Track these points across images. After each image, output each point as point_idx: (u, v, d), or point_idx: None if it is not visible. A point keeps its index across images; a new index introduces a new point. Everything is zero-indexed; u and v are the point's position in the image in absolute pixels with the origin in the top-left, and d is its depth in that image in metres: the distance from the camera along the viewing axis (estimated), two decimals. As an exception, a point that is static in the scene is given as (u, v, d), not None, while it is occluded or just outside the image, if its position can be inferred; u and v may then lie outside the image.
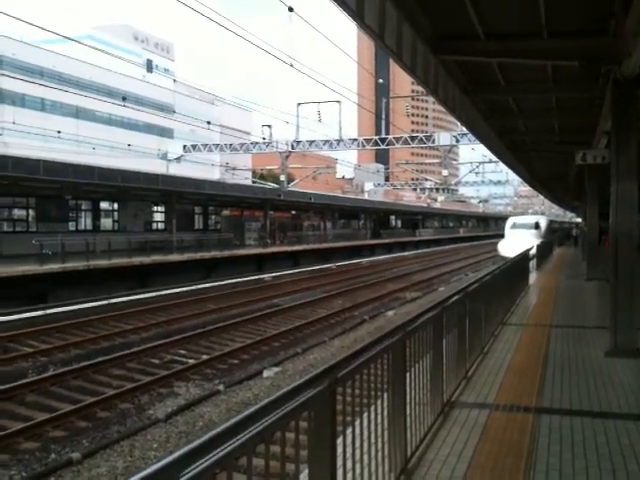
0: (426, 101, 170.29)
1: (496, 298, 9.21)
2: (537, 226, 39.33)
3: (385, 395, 3.81)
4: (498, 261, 28.01)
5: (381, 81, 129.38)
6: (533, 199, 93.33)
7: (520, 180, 48.10)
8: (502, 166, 45.17)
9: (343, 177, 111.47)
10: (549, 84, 11.27)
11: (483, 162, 56.52)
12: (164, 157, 41.99)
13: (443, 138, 39.50)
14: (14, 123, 41.21)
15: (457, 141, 38.63)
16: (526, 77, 11.28)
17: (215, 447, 1.96)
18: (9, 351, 13.34)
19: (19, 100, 52.28)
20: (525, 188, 72.96)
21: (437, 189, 73.96)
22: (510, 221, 42.98)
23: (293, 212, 53.39)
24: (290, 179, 45.05)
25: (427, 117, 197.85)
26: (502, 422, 5.22)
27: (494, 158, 36.88)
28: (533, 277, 18.08)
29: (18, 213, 31.07)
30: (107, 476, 7.20)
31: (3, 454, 7.84)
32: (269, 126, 41.65)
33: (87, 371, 11.51)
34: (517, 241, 32.75)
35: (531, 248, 19.00)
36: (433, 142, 39.25)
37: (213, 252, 33.26)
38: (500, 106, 13.98)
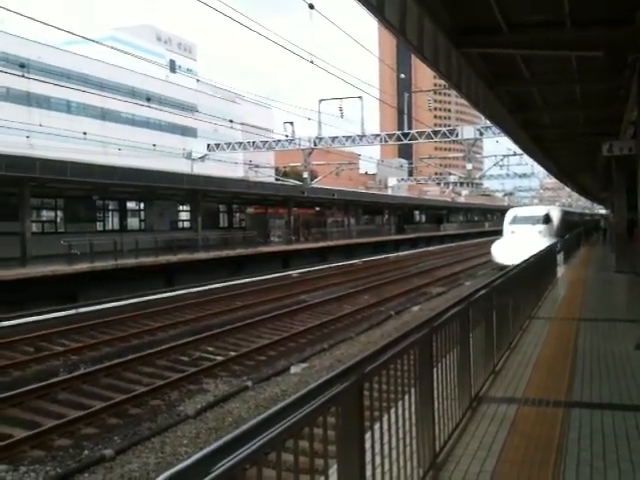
0: (449, 95, 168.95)
1: (523, 292, 9.14)
2: (547, 219, 29.23)
3: (412, 390, 3.83)
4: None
5: (403, 76, 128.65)
6: (559, 191, 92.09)
7: (546, 172, 47.50)
8: (527, 158, 44.44)
9: (366, 173, 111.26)
10: (574, 75, 11.15)
11: (508, 155, 55.85)
12: (188, 156, 42.24)
13: (466, 132, 39.14)
14: (40, 125, 41.83)
15: (481, 134, 38.23)
16: (550, 69, 11.17)
17: (245, 443, 1.98)
18: (41, 350, 13.59)
19: (45, 102, 53.02)
20: (551, 180, 71.99)
21: (461, 183, 73.39)
22: (510, 214, 31.48)
23: (317, 209, 53.42)
24: (313, 176, 45.07)
25: (450, 111, 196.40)
26: (531, 416, 5.20)
27: (519, 151, 36.28)
28: (561, 270, 17.88)
29: (47, 214, 31.57)
30: (139, 472, 7.31)
31: (38, 451, 8.00)
32: (291, 123, 41.69)
33: (118, 369, 11.69)
34: (519, 241, 25.25)
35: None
36: (456, 136, 38.91)
37: (238, 250, 33.47)
38: (524, 98, 13.85)
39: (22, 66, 31.56)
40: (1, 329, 15.49)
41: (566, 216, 34.42)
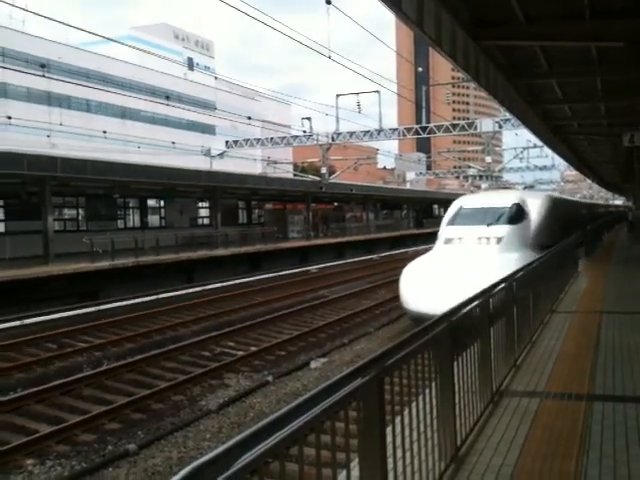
0: (467, 87, 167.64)
1: (544, 285, 9.07)
2: (517, 215, 16.38)
3: (433, 384, 3.83)
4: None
5: (421, 69, 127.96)
6: (580, 184, 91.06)
7: (566, 164, 47.00)
8: (547, 151, 43.89)
9: (384, 167, 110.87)
10: (594, 66, 11.03)
11: (528, 147, 55.27)
12: (207, 154, 42.42)
13: (485, 124, 38.80)
14: (61, 124, 42.29)
15: (500, 127, 37.87)
16: (570, 60, 11.06)
17: (266, 436, 2.00)
18: (64, 347, 13.78)
19: (65, 102, 53.58)
20: (572, 172, 71.22)
21: (480, 176, 72.83)
22: (454, 206, 17.94)
23: (335, 204, 53.37)
24: (331, 171, 45.03)
25: (468, 104, 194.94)
26: (553, 410, 5.17)
27: (539, 143, 35.91)
28: (582, 263, 17.71)
29: (68, 212, 31.92)
30: (162, 466, 7.40)
31: (63, 446, 8.14)
32: (309, 119, 41.66)
33: (140, 364, 11.83)
34: (454, 264, 14.19)
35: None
36: (475, 129, 38.58)
37: (257, 246, 33.59)
38: (543, 90, 13.74)
39: (42, 66, 31.88)
40: (25, 327, 15.74)
41: (559, 209, 20.75)
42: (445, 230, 16.77)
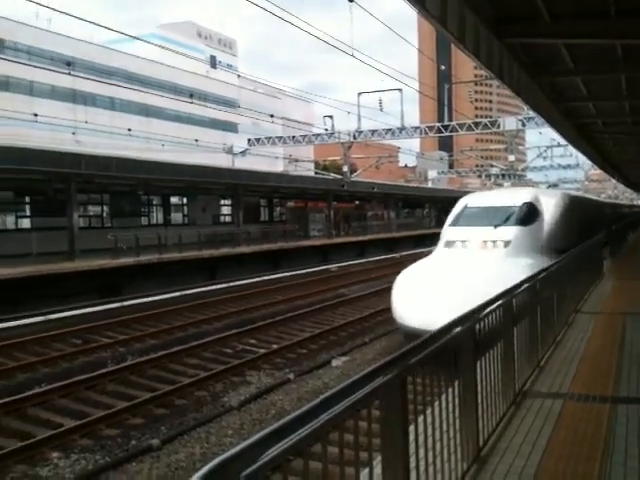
0: (490, 85, 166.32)
1: (569, 285, 9.00)
2: (529, 215, 14.75)
3: (456, 383, 3.83)
4: None
5: (443, 67, 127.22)
6: (605, 183, 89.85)
7: (591, 164, 46.40)
8: (572, 149, 43.37)
9: (406, 166, 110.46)
10: (618, 64, 10.88)
11: (551, 146, 54.75)
12: (229, 151, 42.64)
13: (509, 123, 38.44)
14: (87, 122, 42.78)
15: (523, 125, 37.49)
16: (594, 57, 10.92)
17: (290, 433, 2.02)
18: (89, 342, 13.97)
19: (90, 100, 54.18)
20: (596, 172, 70.26)
21: (503, 175, 72.23)
22: (460, 204, 16.24)
23: (356, 202, 53.33)
24: (353, 169, 44.92)
25: (491, 102, 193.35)
26: (577, 411, 5.13)
27: (563, 142, 35.49)
28: (607, 263, 17.49)
29: (93, 209, 32.31)
30: (185, 462, 7.47)
31: (87, 440, 8.24)
32: (331, 117, 41.65)
33: (163, 360, 11.95)
34: (454, 272, 12.57)
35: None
36: (498, 127, 38.27)
37: (279, 243, 33.71)
38: (567, 88, 13.58)
39: (68, 64, 32.30)
40: (50, 322, 15.98)
41: (578, 208, 18.94)
42: (446, 232, 15.13)
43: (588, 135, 19.92)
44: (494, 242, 13.70)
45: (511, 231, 14.00)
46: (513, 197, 15.86)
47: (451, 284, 11.55)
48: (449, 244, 14.40)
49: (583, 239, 13.59)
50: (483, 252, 13.54)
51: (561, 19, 8.42)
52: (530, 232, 14.23)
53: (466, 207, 15.72)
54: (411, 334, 9.90)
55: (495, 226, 14.09)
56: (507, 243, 13.64)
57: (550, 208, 15.30)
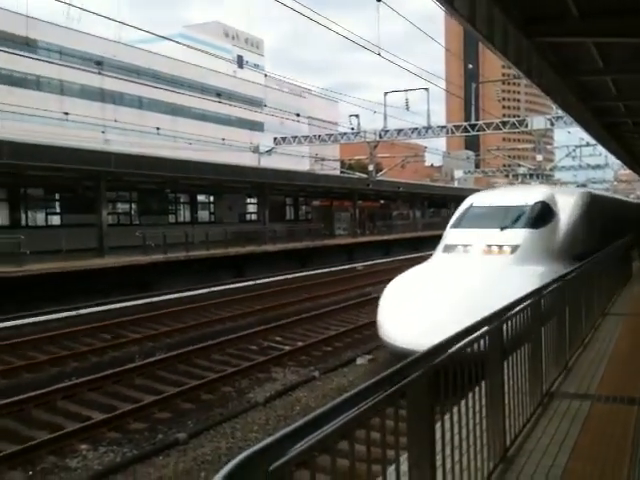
0: (518, 84, 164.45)
1: (597, 287, 8.91)
2: (542, 216, 13.08)
3: (483, 383, 3.84)
4: None
5: (471, 66, 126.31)
6: (634, 184, 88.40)
7: (620, 164, 45.68)
8: (601, 149, 42.74)
9: (432, 165, 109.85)
10: (652, 62, 10.71)
11: (580, 145, 54.09)
12: (256, 150, 42.87)
13: (537, 122, 38.01)
14: (115, 121, 43.33)
15: (552, 124, 37.03)
16: (625, 56, 10.77)
17: (316, 429, 2.04)
18: (118, 337, 14.18)
19: (118, 99, 54.85)
20: (626, 172, 69.14)
21: (531, 175, 71.47)
22: (465, 204, 14.48)
23: (382, 201, 53.22)
24: (378, 168, 44.83)
25: (519, 101, 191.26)
26: (604, 413, 5.10)
27: (592, 141, 34.96)
28: (636, 265, 17.24)
29: (122, 207, 32.74)
30: (211, 456, 7.55)
31: (115, 433, 8.38)
32: (357, 116, 41.63)
33: (190, 356, 12.09)
34: (454, 279, 11.24)
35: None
36: (526, 126, 37.84)
37: (304, 242, 33.80)
38: (597, 86, 13.40)
39: (98, 63, 32.78)
40: (81, 316, 16.26)
41: (600, 209, 16.98)
42: (447, 234, 13.59)
43: (618, 135, 19.62)
44: (500, 247, 12.16)
45: (520, 234, 12.40)
46: (525, 196, 14.04)
47: (446, 297, 10.23)
48: (448, 249, 12.90)
49: (606, 243, 12.36)
50: (487, 258, 12.01)
51: (591, 17, 8.32)
52: (542, 235, 12.66)
53: (471, 206, 14.16)
54: (397, 354, 8.90)
55: (502, 228, 12.53)
56: (515, 248, 12.03)
57: (567, 208, 13.72)
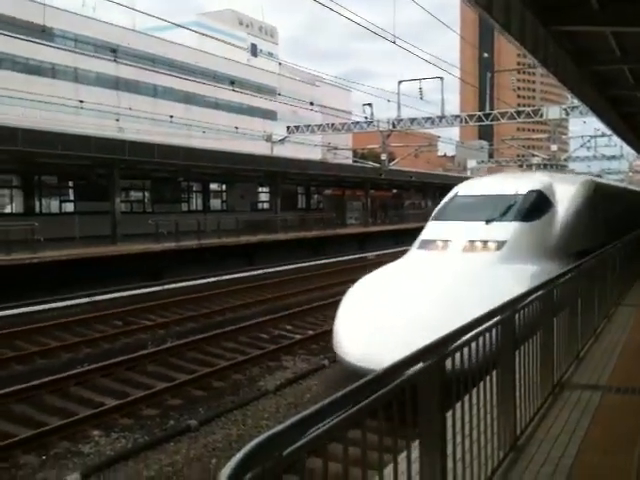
0: (533, 74, 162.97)
1: (611, 277, 8.85)
2: (535, 208, 11.50)
3: (494, 371, 3.83)
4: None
5: (486, 55, 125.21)
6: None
7: (636, 154, 45.23)
8: (616, 139, 42.32)
9: (445, 155, 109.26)
10: (670, 51, 10.57)
11: (595, 136, 53.57)
12: (268, 139, 42.82)
13: (552, 112, 37.61)
14: (130, 109, 43.41)
15: (567, 114, 36.63)
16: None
17: (328, 416, 2.05)
18: (130, 324, 14.28)
19: (133, 87, 54.91)
20: (642, 162, 68.48)
21: (545, 165, 70.94)
22: (452, 193, 13.22)
23: (394, 191, 53.05)
24: (391, 158, 44.65)
25: (534, 90, 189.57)
26: (615, 404, 5.08)
27: (607, 131, 34.60)
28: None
29: (135, 195, 32.88)
30: (222, 443, 7.60)
31: (127, 419, 8.46)
32: (370, 105, 41.42)
33: (202, 344, 12.15)
34: (427, 282, 9.68)
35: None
36: (541, 116, 37.46)
37: (316, 231, 33.80)
38: (614, 76, 13.25)
39: (113, 51, 32.81)
40: (93, 303, 16.39)
41: (606, 199, 15.23)
42: (426, 228, 12.10)
43: (634, 125, 19.43)
44: (484, 242, 10.53)
45: (508, 228, 10.81)
46: (518, 183, 12.38)
47: (415, 303, 8.69)
48: (425, 244, 11.36)
49: (614, 238, 10.90)
50: (467, 256, 10.37)
51: (609, 6, 8.22)
52: (535, 229, 11.07)
53: (456, 196, 12.68)
54: (352, 372, 7.59)
55: (487, 221, 10.91)
56: (501, 244, 10.43)
57: (566, 198, 12.04)
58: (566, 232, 11.52)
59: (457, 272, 9.81)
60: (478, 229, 10.82)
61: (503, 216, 11.14)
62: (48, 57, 44.35)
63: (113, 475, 6.78)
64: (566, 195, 12.17)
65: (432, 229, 11.81)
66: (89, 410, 8.53)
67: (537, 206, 11.49)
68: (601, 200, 14.12)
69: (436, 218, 12.31)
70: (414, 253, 11.44)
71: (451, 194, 12.96)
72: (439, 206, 12.95)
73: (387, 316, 8.44)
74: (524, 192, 11.69)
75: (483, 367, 3.65)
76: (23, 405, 8.87)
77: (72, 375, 9.95)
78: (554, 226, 11.41)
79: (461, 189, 13.04)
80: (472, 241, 10.62)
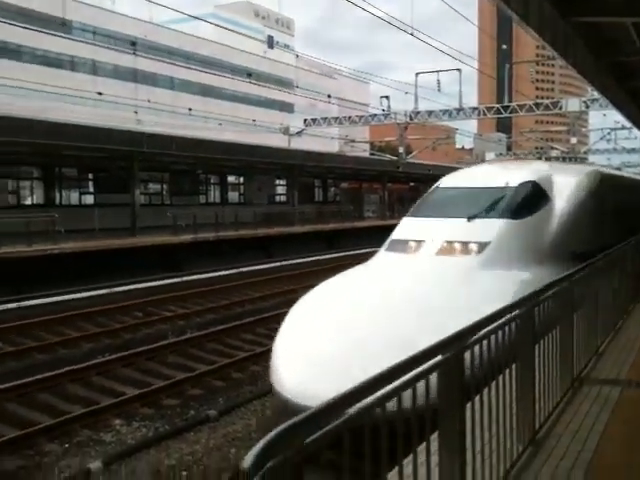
0: (552, 65, 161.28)
1: (631, 273, 8.79)
2: (523, 204, 9.58)
3: (513, 365, 3.85)
4: None
5: (504, 47, 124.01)
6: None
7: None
8: (637, 132, 41.72)
9: (462, 147, 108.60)
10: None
11: (615, 128, 52.88)
12: (286, 132, 42.84)
13: (571, 104, 37.19)
14: (149, 101, 43.63)
15: (587, 107, 36.22)
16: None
17: (347, 407, 2.07)
18: (150, 315, 14.44)
19: (151, 79, 55.14)
20: (663, 155, 67.56)
21: (564, 158, 70.26)
22: (436, 185, 11.24)
23: (411, 184, 52.86)
24: (408, 150, 44.49)
25: (554, 82, 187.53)
26: (635, 399, 5.08)
27: (627, 124, 34.17)
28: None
29: (154, 187, 33.11)
30: (242, 433, 7.70)
31: (148, 409, 8.59)
32: (387, 97, 41.24)
33: (221, 335, 12.27)
34: (393, 293, 7.78)
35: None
36: (560, 109, 37.07)
37: (333, 224, 33.82)
38: (635, 68, 13.11)
39: (133, 44, 33.00)
40: (114, 294, 16.57)
41: (614, 192, 13.13)
42: (398, 226, 10.34)
43: (656, 118, 19.19)
44: (464, 244, 8.82)
45: (493, 226, 9.11)
46: (510, 174, 10.57)
47: (372, 322, 7.01)
48: (395, 245, 9.59)
49: (624, 236, 9.99)
50: (442, 260, 8.64)
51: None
52: (525, 228, 9.31)
53: (437, 189, 11.02)
54: (284, 408, 6.34)
55: (469, 218, 9.24)
56: (483, 246, 8.71)
57: (566, 191, 10.26)
58: (564, 231, 9.78)
59: (426, 281, 8.19)
60: (458, 228, 9.17)
61: (488, 212, 9.49)
62: (67, 49, 44.61)
63: (135, 464, 6.90)
64: (566, 188, 10.37)
65: (405, 227, 10.08)
66: (110, 399, 8.66)
67: (530, 200, 9.75)
68: (609, 194, 12.32)
69: (412, 214, 10.58)
70: (381, 256, 9.72)
71: (432, 189, 11.23)
72: (418, 200, 11.29)
73: (331, 338, 6.83)
74: (515, 184, 9.94)
75: (502, 360, 3.67)
76: (47, 394, 9.02)
77: (93, 365, 10.10)
78: (549, 224, 9.63)
79: (444, 181, 11.33)
80: (450, 242, 8.91)
